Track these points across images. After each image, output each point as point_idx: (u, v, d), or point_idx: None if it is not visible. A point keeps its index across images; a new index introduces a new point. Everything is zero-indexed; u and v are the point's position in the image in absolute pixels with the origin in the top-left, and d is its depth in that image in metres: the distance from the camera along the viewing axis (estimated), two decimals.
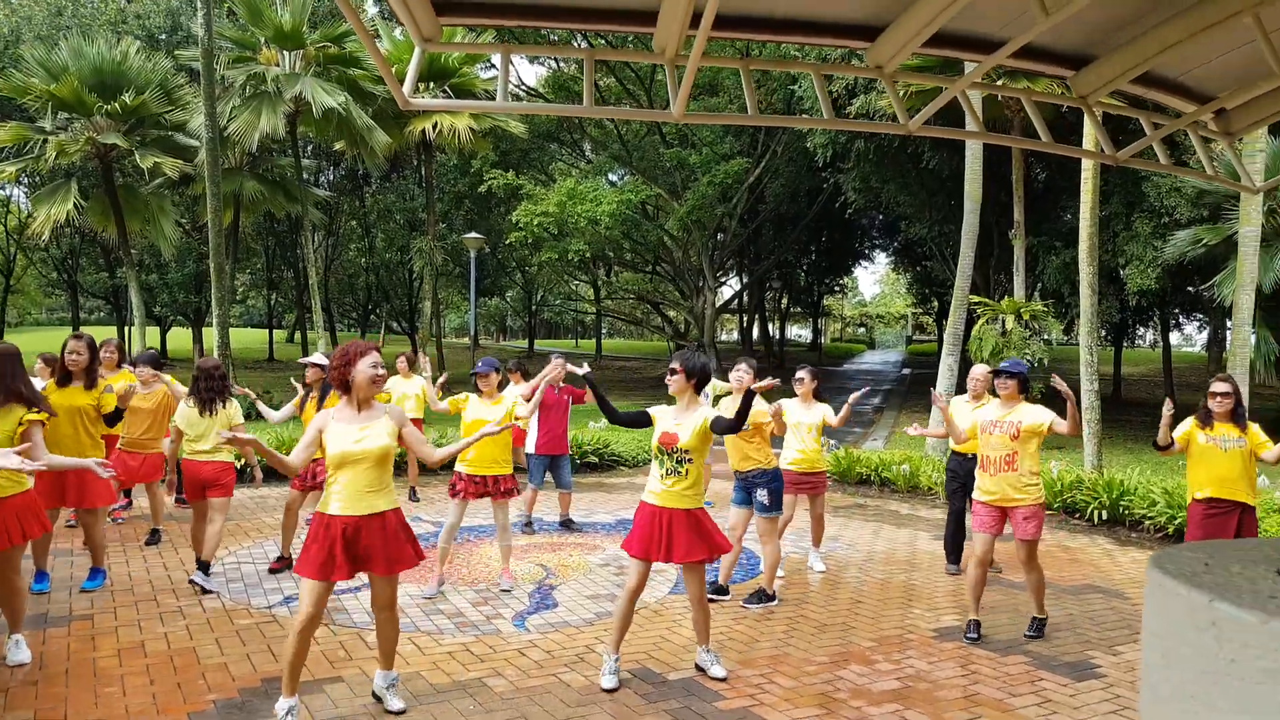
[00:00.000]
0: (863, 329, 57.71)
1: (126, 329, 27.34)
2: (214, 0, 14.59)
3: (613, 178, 27.22)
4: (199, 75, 13.40)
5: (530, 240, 21.70)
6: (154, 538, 7.02)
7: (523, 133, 21.39)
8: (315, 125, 17.96)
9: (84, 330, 6.91)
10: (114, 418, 5.69)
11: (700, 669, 4.55)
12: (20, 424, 4.26)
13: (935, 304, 34.26)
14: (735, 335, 45.07)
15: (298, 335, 34.51)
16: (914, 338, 49.42)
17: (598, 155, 27.03)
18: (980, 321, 13.77)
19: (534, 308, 41.82)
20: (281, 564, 6.35)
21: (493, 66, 23.25)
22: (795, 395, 6.58)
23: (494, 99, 20.44)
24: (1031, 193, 17.90)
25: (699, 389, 4.49)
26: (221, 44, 17.88)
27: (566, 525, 8.07)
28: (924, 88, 12.88)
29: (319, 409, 5.77)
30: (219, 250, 13.32)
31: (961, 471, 6.58)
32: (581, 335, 57.83)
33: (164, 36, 26.25)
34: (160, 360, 7.38)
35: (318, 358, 6.55)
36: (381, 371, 3.89)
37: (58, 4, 26.30)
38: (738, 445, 5.73)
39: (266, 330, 37.50)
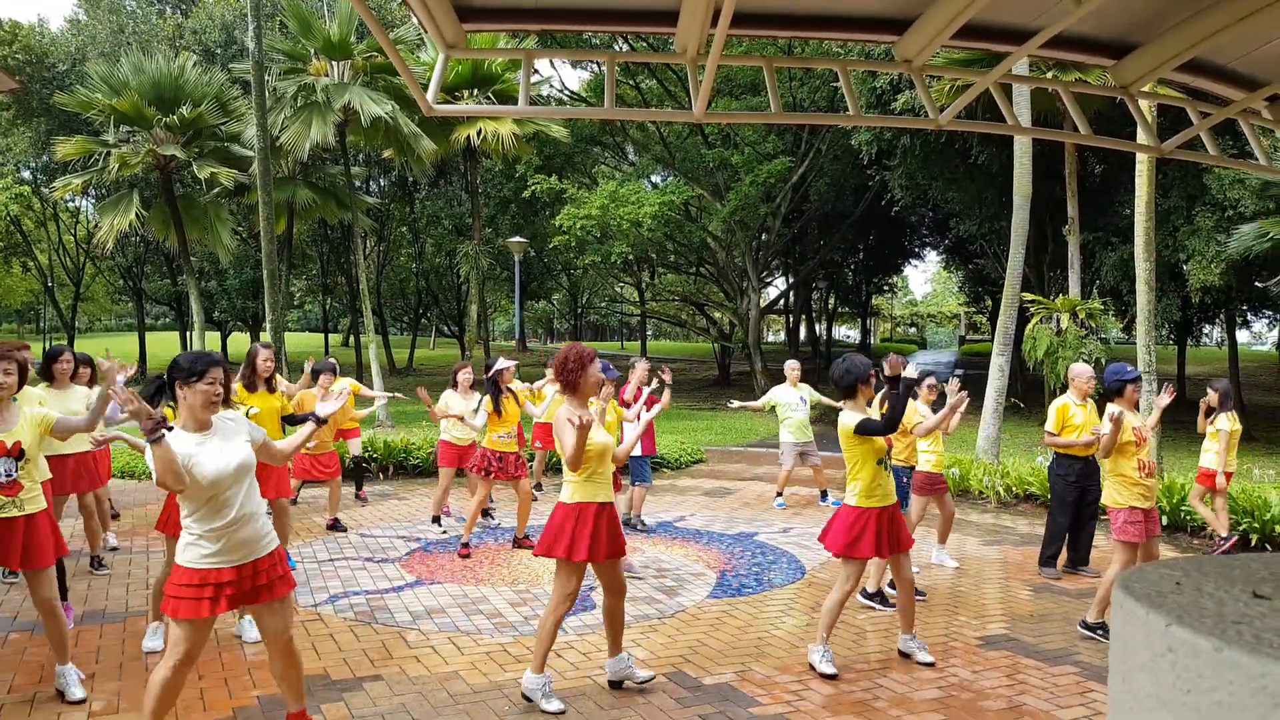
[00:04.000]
0: (914, 329, 56.83)
1: (188, 334, 28.18)
2: (265, 13, 14.92)
3: (655, 179, 27.22)
4: (252, 87, 13.78)
5: (574, 243, 21.82)
6: (337, 525, 7.73)
7: (565, 137, 21.47)
8: (364, 134, 18.25)
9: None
10: (299, 419, 6.25)
11: (904, 654, 4.80)
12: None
13: (989, 303, 33.53)
14: (782, 336, 44.71)
15: (352, 339, 35.20)
16: (967, 337, 48.51)
17: (640, 157, 27.05)
18: (1034, 320, 13.37)
19: (580, 310, 42.08)
20: (468, 550, 6.92)
21: (537, 72, 23.43)
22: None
23: (541, 105, 20.57)
24: (1087, 187, 17.39)
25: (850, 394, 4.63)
26: (273, 56, 18.28)
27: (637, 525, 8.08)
28: (967, 82, 12.55)
29: (497, 410, 6.92)
30: (271, 257, 13.65)
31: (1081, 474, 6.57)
32: (627, 337, 57.96)
33: (219, 50, 26.97)
34: (336, 367, 7.92)
35: (503, 362, 7.23)
36: (603, 375, 4.32)
37: (119, 22, 27.21)
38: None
39: (322, 334, 38.35)
